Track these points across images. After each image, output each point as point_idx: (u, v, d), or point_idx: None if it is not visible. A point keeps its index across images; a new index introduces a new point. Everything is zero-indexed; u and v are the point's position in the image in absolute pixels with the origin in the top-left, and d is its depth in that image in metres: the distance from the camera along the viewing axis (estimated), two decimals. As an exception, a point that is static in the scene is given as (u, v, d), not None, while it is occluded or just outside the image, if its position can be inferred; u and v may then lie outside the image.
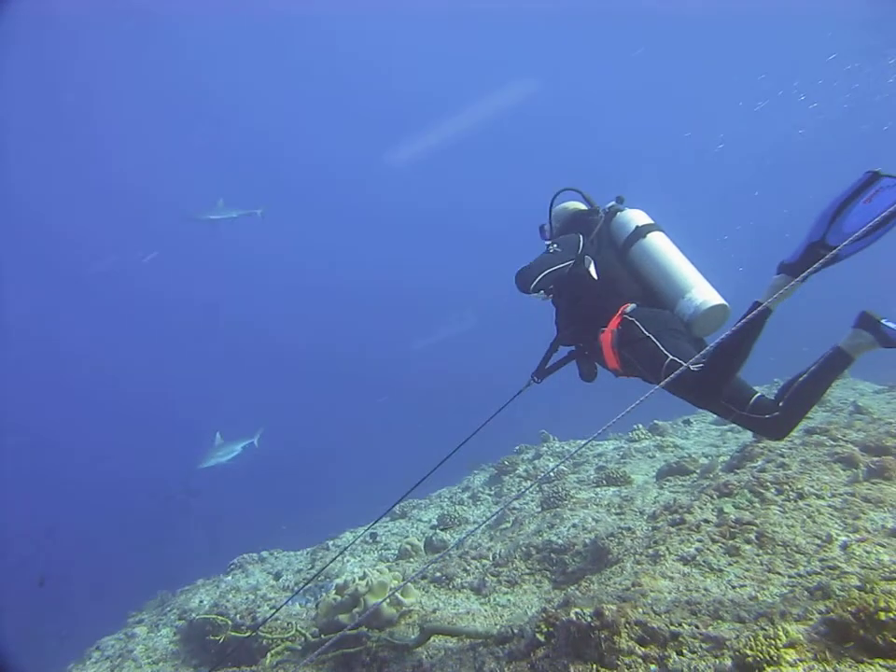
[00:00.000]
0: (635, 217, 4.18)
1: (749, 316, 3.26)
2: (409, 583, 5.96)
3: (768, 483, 5.38)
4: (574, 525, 6.71)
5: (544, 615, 3.94)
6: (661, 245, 4.00)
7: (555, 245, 4.22)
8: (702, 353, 3.19)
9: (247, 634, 6.23)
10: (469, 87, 42.52)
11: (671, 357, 3.52)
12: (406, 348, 37.41)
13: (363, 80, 42.69)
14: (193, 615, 7.68)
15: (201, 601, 8.78)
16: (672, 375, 2.94)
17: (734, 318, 3.64)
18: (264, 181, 41.20)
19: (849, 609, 2.97)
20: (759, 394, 3.48)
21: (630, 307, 3.86)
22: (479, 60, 41.44)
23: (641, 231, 4.05)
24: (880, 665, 2.74)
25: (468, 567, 6.67)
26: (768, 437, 3.74)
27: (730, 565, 4.36)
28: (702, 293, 3.77)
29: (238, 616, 6.93)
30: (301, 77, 41.55)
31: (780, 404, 3.35)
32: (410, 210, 45.76)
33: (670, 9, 32.42)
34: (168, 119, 38.19)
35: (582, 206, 4.56)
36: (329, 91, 42.85)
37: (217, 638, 6.57)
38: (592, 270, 4.05)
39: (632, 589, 4.28)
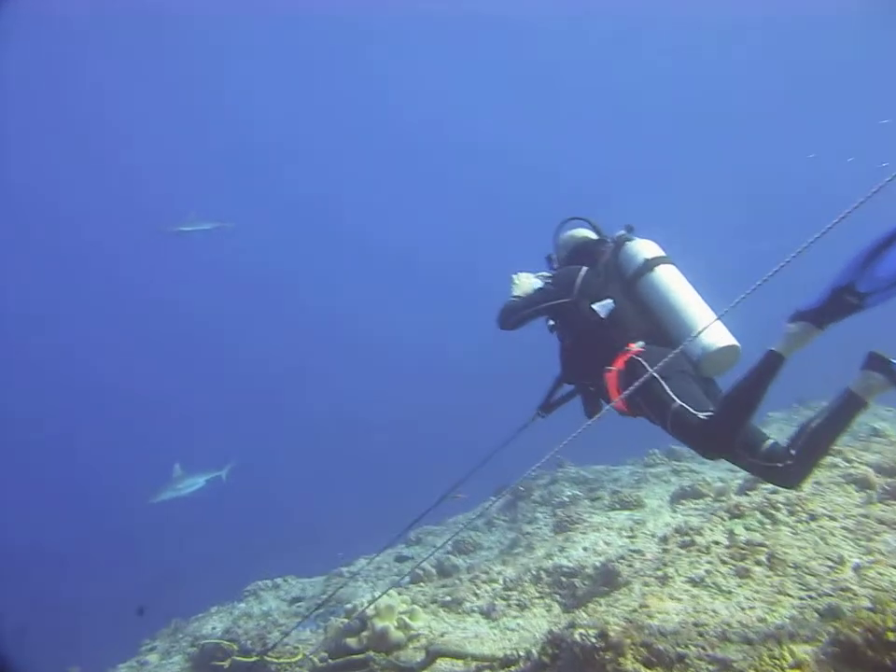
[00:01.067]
0: (644, 248, 3.92)
1: (761, 366, 3.13)
2: (418, 607, 5.91)
3: (780, 505, 5.30)
4: (585, 549, 6.66)
5: (549, 637, 3.90)
6: (670, 280, 3.76)
7: (549, 280, 4.08)
8: None
9: (254, 659, 6.18)
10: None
11: (678, 402, 3.31)
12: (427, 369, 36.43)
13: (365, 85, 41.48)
14: (205, 641, 7.65)
15: (213, 628, 8.77)
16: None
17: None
18: (263, 184, 41.10)
19: (858, 629, 2.91)
20: (771, 440, 3.29)
21: (637, 345, 3.66)
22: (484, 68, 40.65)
23: (650, 264, 3.81)
24: (886, 685, 2.68)
25: (477, 591, 6.60)
26: (781, 485, 3.55)
27: (739, 586, 4.29)
28: (711, 332, 3.49)
29: (248, 642, 6.89)
30: (302, 81, 40.56)
31: (793, 451, 3.18)
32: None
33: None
34: (171, 119, 37.58)
35: (591, 235, 4.30)
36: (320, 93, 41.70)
37: (224, 664, 6.54)
38: (599, 308, 3.81)
39: (639, 610, 4.22)
